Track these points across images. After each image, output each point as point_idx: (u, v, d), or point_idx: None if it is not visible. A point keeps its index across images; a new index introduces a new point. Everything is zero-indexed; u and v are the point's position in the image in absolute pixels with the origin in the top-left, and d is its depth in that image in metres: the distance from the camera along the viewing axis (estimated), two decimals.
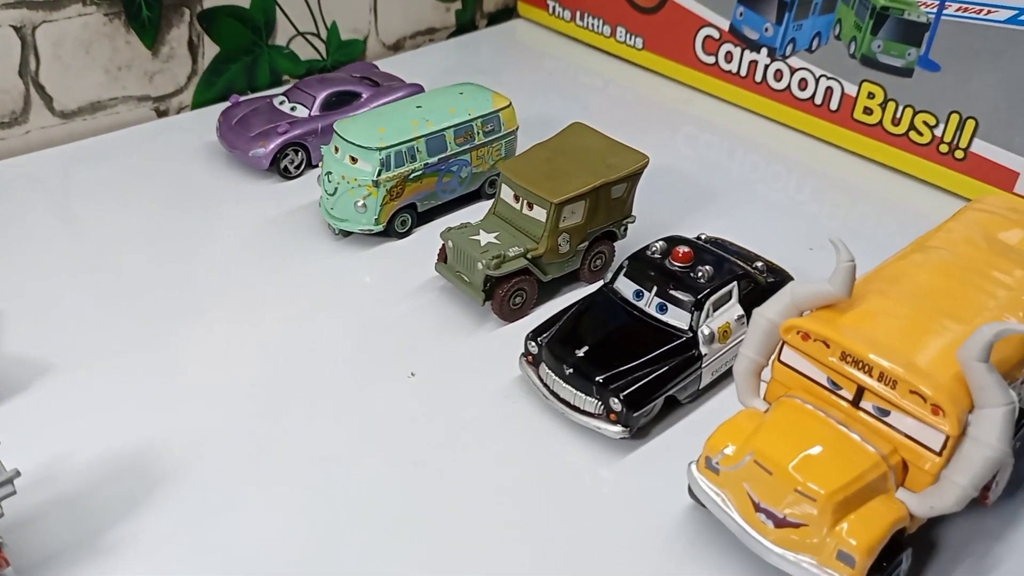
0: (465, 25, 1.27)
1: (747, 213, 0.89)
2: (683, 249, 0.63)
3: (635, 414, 0.58)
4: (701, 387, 0.63)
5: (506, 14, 1.31)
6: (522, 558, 0.53)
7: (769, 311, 0.52)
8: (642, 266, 0.64)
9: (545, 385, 0.62)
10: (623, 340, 0.61)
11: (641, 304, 0.63)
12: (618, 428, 0.59)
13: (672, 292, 0.62)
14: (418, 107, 0.79)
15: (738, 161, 1.01)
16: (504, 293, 0.68)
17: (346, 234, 0.80)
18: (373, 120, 0.77)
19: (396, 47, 1.20)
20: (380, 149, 0.74)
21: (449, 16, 1.24)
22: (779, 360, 0.52)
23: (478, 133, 0.80)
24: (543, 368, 0.62)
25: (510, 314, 0.70)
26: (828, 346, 0.49)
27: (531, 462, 0.60)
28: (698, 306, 0.61)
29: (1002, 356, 0.48)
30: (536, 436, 0.62)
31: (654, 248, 0.65)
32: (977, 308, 0.51)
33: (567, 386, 0.60)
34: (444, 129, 0.78)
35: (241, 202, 0.86)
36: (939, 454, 0.46)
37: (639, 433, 0.61)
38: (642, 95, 1.14)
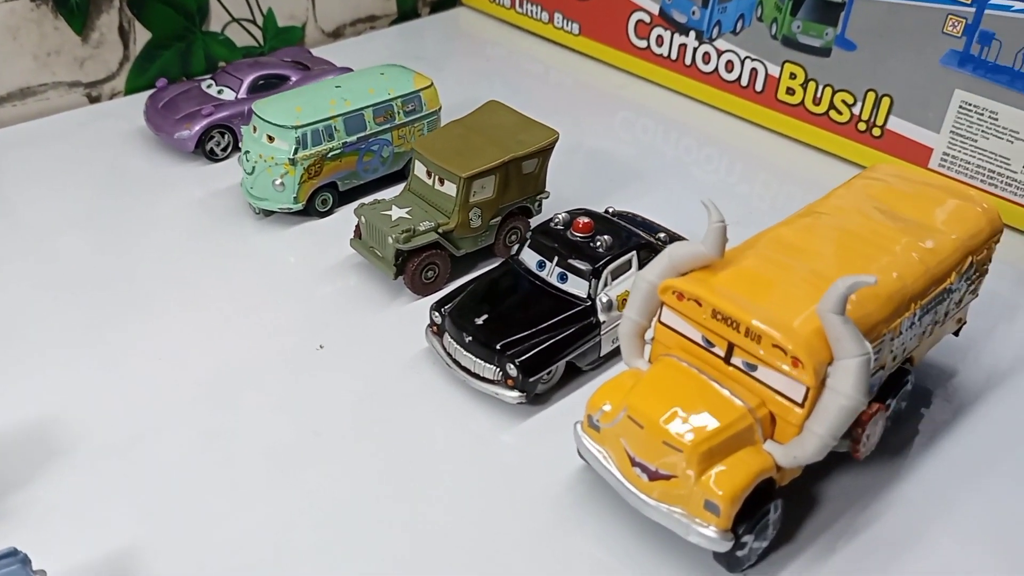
0: (407, 13, 1.28)
1: (681, 195, 0.90)
2: (583, 220, 0.65)
3: (531, 379, 0.60)
4: (601, 355, 0.64)
5: (449, 2, 1.32)
6: (425, 520, 0.55)
7: (649, 274, 0.53)
8: (545, 238, 0.65)
9: (448, 354, 0.63)
10: (523, 309, 0.63)
11: (543, 274, 0.65)
12: (516, 393, 0.60)
13: (571, 261, 0.63)
14: (337, 87, 0.80)
15: (672, 144, 1.03)
16: (415, 267, 0.70)
17: (267, 213, 0.81)
18: (290, 99, 0.78)
19: (336, 34, 1.20)
20: (296, 127, 0.75)
21: (390, 4, 1.25)
22: (660, 321, 0.54)
23: (399, 113, 0.81)
24: (446, 337, 0.63)
25: (422, 288, 0.71)
26: (700, 305, 0.50)
27: (435, 429, 0.61)
28: (596, 274, 0.62)
29: (866, 312, 0.50)
30: (441, 404, 0.63)
31: (557, 220, 0.66)
32: (854, 269, 0.53)
33: (467, 353, 0.61)
34: (363, 108, 0.79)
35: (169, 186, 0.87)
36: (801, 405, 0.48)
37: (540, 399, 0.63)
38: (581, 81, 1.15)
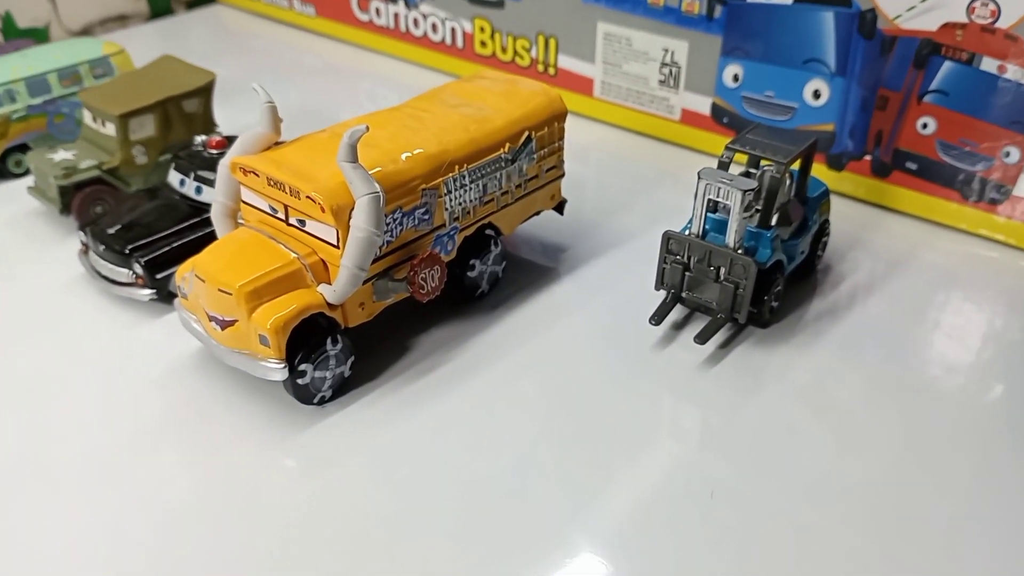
0: (161, 11, 1.34)
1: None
2: (216, 139, 0.72)
3: (159, 277, 0.66)
4: None
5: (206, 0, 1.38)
6: (79, 404, 0.60)
7: (226, 158, 0.60)
8: (184, 157, 0.72)
9: (92, 267, 0.69)
10: (158, 218, 0.69)
11: (184, 190, 0.71)
12: (147, 291, 0.66)
13: (202, 173, 0.70)
14: (23, 56, 0.85)
15: None
16: (80, 202, 0.75)
17: None
18: None
19: (85, 33, 1.25)
20: None
21: (141, 3, 1.31)
22: (243, 200, 0.61)
23: (87, 77, 0.87)
24: (91, 253, 0.69)
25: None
26: (258, 176, 0.58)
27: (83, 336, 0.67)
28: None
29: (404, 168, 0.58)
30: (92, 314, 0.69)
31: (197, 142, 0.73)
32: (400, 140, 0.61)
33: (104, 262, 0.67)
34: (46, 73, 0.84)
35: None
36: (337, 246, 0.56)
37: None
38: (328, 60, 1.23)
